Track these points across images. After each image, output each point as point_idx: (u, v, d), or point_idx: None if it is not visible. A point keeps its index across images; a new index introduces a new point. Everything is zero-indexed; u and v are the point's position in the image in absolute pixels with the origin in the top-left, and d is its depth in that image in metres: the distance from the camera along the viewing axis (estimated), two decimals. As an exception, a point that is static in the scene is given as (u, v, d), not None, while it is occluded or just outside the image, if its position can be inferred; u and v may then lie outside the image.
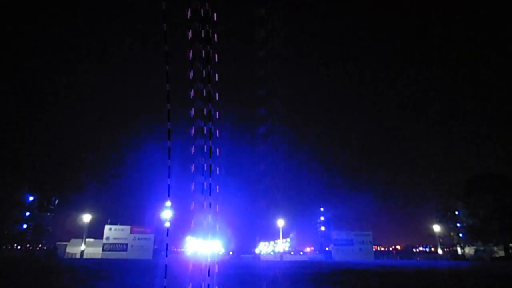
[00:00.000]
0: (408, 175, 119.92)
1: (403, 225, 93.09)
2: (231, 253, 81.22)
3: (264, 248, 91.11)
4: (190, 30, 9.20)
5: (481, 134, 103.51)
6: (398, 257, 75.57)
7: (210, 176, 8.41)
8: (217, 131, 8.89)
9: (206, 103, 8.86)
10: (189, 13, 9.24)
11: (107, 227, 65.60)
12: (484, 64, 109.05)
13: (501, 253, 63.22)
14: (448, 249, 74.91)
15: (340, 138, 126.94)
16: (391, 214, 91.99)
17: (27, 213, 65.60)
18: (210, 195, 8.28)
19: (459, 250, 71.93)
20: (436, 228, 73.80)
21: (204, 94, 8.94)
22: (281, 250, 73.69)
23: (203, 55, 9.12)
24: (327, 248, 73.72)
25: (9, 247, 64.61)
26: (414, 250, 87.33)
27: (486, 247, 66.92)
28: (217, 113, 8.99)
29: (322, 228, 76.39)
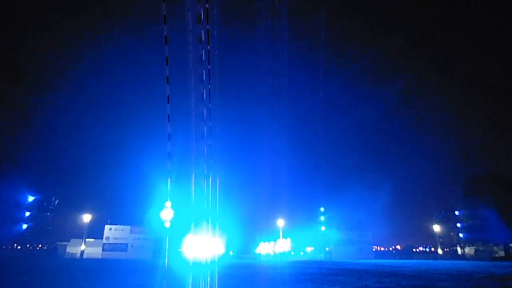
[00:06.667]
0: (408, 175, 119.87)
1: (403, 225, 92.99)
2: (231, 253, 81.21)
3: (264, 248, 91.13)
4: None
5: (481, 133, 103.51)
6: (398, 257, 75.53)
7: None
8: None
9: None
10: None
11: (107, 227, 65.63)
12: (484, 63, 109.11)
13: (501, 253, 63.25)
14: (448, 249, 74.95)
15: (340, 137, 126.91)
16: (391, 214, 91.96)
17: (27, 213, 65.63)
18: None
19: (459, 250, 71.97)
20: (436, 228, 73.85)
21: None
22: (281, 250, 73.70)
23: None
24: (327, 248, 73.70)
25: (9, 247, 64.60)
26: (414, 250, 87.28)
27: (486, 247, 66.96)
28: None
29: (322, 228, 76.35)
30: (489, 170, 72.97)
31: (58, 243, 67.99)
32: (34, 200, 66.60)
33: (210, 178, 8.69)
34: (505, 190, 64.92)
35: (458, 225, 72.16)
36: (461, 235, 71.47)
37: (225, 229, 57.26)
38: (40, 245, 68.47)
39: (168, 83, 7.48)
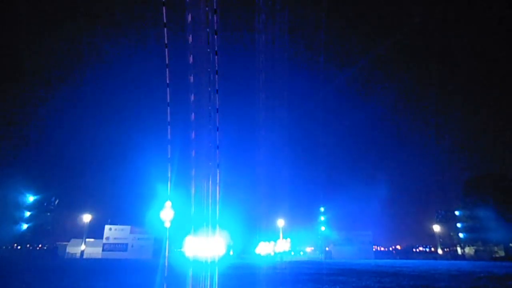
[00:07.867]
0: (408, 175, 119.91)
1: (403, 225, 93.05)
2: (231, 253, 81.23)
3: (264, 248, 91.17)
4: None
5: (481, 134, 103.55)
6: (398, 257, 75.56)
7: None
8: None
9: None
10: None
11: (107, 227, 65.63)
12: (485, 63, 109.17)
13: (501, 253, 63.28)
14: (448, 249, 74.93)
15: (340, 137, 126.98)
16: (391, 214, 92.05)
17: (27, 213, 65.66)
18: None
19: (459, 250, 71.96)
20: (436, 228, 73.83)
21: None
22: (281, 250, 73.66)
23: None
24: (327, 248, 73.71)
25: (9, 247, 64.63)
26: (414, 250, 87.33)
27: (486, 247, 66.97)
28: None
29: (322, 228, 76.36)
30: (489, 170, 73.02)
31: (58, 243, 68.01)
32: (34, 200, 66.63)
33: (211, 178, 8.71)
34: (505, 190, 64.92)
35: (458, 225, 72.14)
36: (461, 235, 71.46)
37: (225, 229, 57.27)
38: (40, 245, 68.53)
39: (168, 84, 7.49)
